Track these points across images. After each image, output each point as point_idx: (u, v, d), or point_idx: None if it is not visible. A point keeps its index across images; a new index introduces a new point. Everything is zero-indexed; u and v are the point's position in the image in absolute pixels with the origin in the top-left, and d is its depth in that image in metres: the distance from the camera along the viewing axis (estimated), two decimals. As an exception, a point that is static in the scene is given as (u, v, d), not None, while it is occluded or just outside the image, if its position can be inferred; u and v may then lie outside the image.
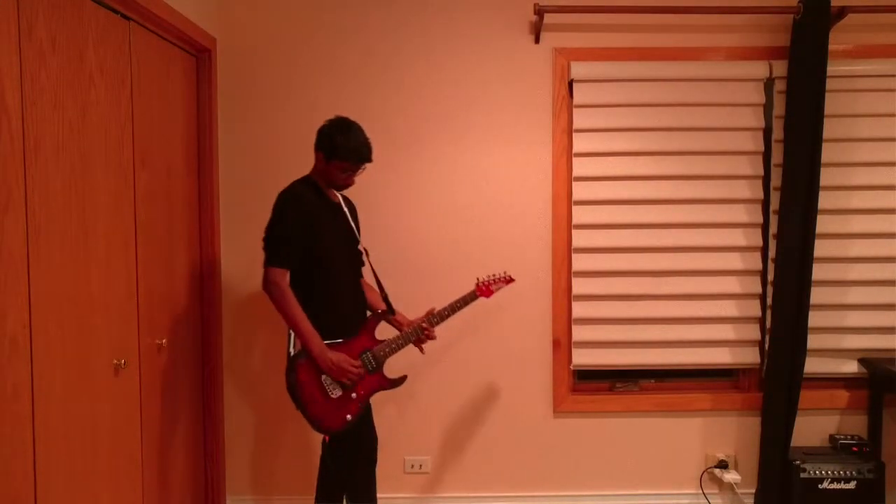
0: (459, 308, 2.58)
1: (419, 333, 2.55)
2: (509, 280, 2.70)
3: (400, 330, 2.60)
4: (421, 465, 3.14)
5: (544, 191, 3.07)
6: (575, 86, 3.01)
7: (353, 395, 2.46)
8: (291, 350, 2.45)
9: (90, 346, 2.05)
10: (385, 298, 2.64)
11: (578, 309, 3.08)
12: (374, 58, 3.04)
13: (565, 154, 3.06)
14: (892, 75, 3.01)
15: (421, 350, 2.64)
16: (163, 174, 2.57)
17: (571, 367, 3.12)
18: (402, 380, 2.59)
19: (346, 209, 2.62)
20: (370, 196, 3.02)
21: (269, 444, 3.13)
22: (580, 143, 3.03)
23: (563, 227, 3.08)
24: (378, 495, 3.08)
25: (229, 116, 3.03)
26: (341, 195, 2.65)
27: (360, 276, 2.66)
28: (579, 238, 3.06)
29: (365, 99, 3.04)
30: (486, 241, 3.08)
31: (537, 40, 3.02)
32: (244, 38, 3.02)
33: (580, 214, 3.05)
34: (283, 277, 2.40)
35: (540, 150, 3.06)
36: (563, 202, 3.07)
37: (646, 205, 3.04)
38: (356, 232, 2.62)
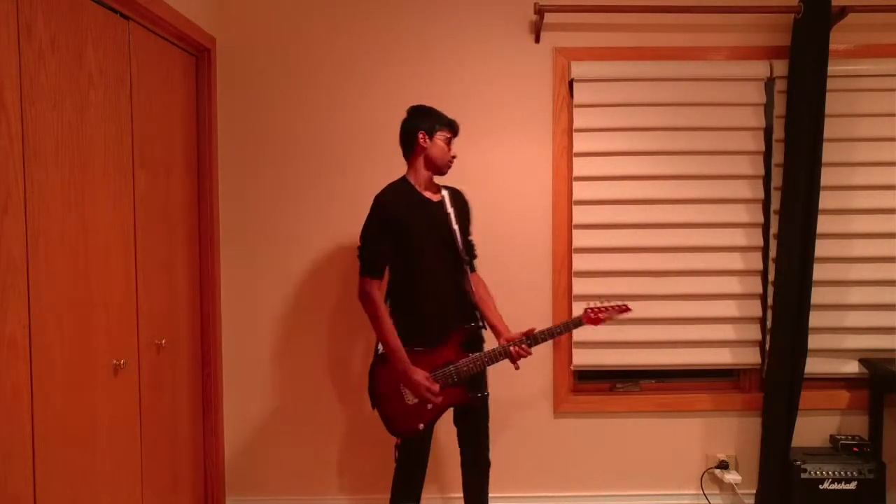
0: (560, 333, 2.49)
1: (506, 353, 2.42)
2: (623, 309, 2.53)
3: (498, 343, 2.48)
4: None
5: (544, 190, 3.07)
6: (575, 85, 3.00)
7: (429, 405, 2.43)
8: (380, 347, 2.44)
9: (89, 346, 2.05)
10: (474, 310, 2.50)
11: (579, 309, 3.06)
12: (373, 56, 3.03)
13: (565, 154, 3.06)
14: (893, 75, 3.00)
15: (515, 366, 2.48)
16: (162, 174, 2.57)
17: (572, 368, 3.12)
18: (482, 398, 2.52)
19: (450, 208, 2.48)
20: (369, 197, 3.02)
21: (269, 444, 3.13)
22: (580, 142, 3.02)
23: (564, 226, 3.07)
24: (375, 495, 3.09)
25: (229, 116, 3.03)
26: (449, 192, 2.53)
27: (463, 279, 2.50)
28: (580, 238, 3.05)
29: (364, 98, 3.03)
30: (486, 242, 3.05)
31: (537, 40, 3.02)
32: (244, 37, 3.02)
33: (580, 214, 3.05)
34: (373, 287, 2.37)
35: (540, 150, 3.06)
36: (564, 202, 3.07)
37: (646, 205, 3.04)
38: (455, 233, 2.46)
